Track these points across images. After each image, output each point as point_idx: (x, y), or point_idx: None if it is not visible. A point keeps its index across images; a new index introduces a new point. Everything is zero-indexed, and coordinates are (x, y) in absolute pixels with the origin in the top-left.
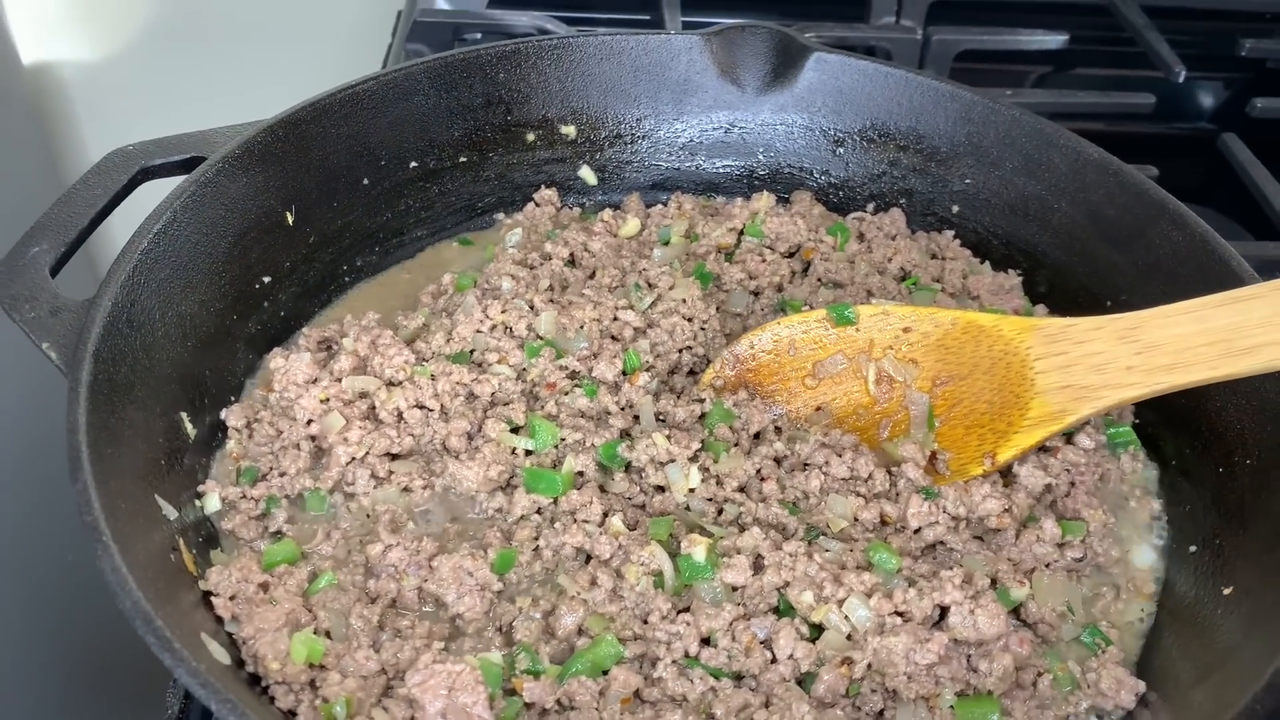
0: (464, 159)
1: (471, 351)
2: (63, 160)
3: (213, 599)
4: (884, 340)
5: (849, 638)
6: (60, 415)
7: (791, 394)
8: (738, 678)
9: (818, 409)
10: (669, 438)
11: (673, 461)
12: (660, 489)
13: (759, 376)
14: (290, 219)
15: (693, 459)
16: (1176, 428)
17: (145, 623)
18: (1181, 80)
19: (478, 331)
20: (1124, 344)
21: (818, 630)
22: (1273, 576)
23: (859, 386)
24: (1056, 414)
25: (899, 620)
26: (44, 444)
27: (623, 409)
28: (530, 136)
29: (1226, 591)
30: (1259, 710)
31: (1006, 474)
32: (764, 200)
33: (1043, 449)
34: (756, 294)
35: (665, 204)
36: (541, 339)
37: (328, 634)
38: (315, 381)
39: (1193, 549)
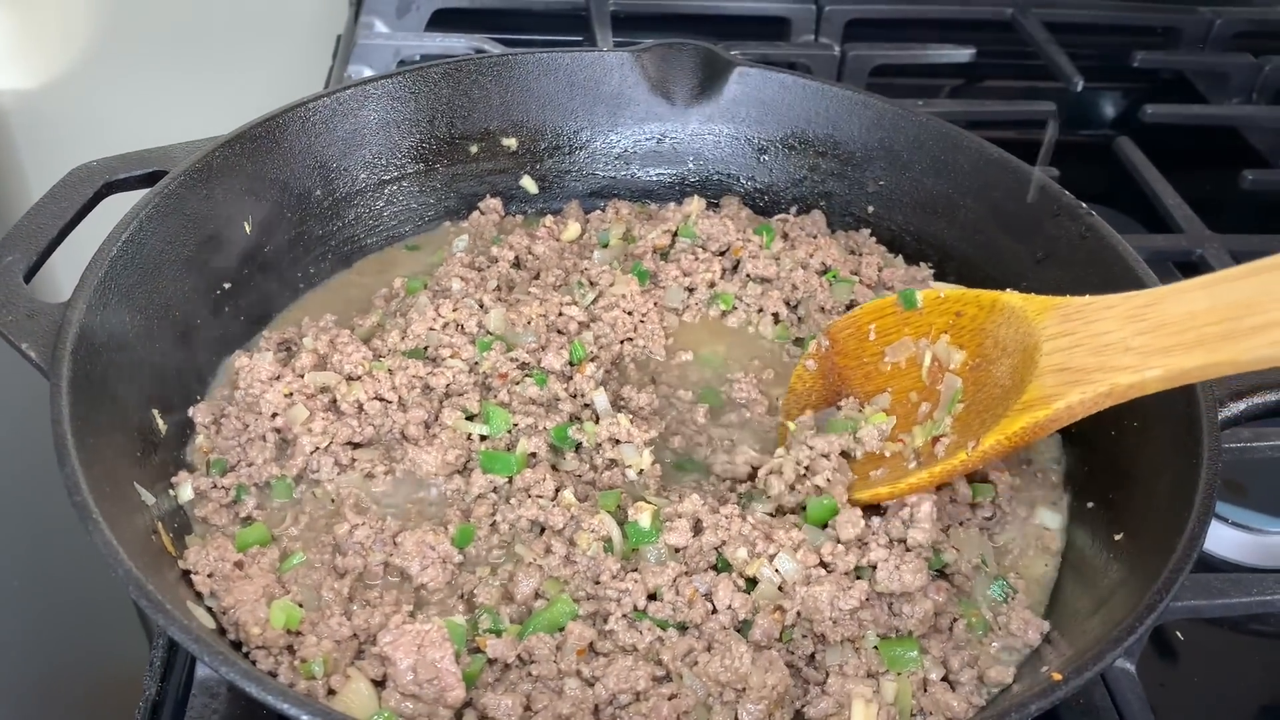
0: (411, 170)
1: (425, 348)
2: (3, 188)
3: (192, 576)
4: (941, 324)
5: (780, 588)
6: (34, 422)
7: (867, 377)
8: (682, 628)
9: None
10: (631, 421)
11: (630, 442)
12: (613, 464)
13: (845, 359)
14: (248, 228)
15: (648, 443)
16: None
17: (138, 588)
18: (1080, 89)
19: (430, 329)
20: (1131, 323)
21: (752, 583)
22: (1152, 520)
23: (917, 374)
24: (1045, 398)
25: (823, 572)
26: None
27: (572, 396)
28: (474, 148)
29: (1117, 538)
30: (1136, 627)
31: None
32: (695, 204)
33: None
34: (691, 290)
35: (603, 210)
36: (491, 334)
37: (300, 606)
38: (278, 378)
39: (1090, 504)
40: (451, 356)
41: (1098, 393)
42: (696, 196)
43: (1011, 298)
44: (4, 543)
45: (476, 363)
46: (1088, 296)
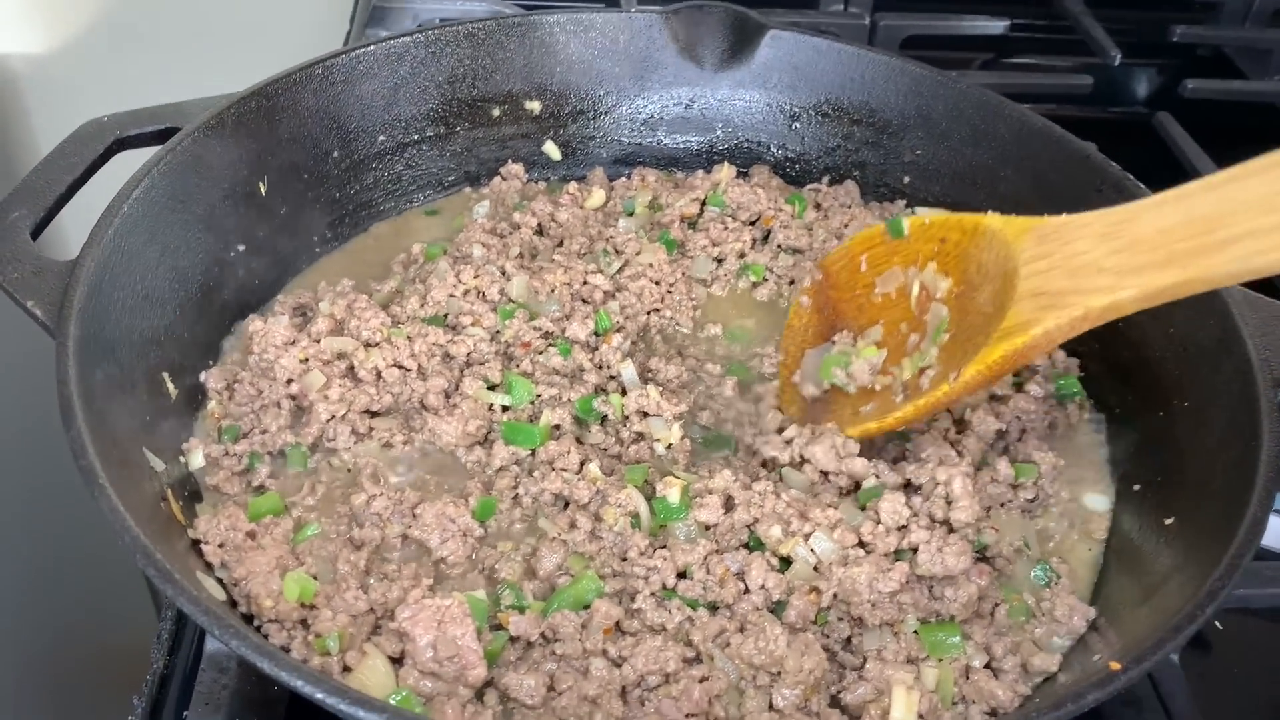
0: (431, 133)
1: (445, 315)
2: (12, 151)
3: (202, 546)
4: (927, 252)
5: (816, 569)
6: (40, 384)
7: (860, 309)
8: (713, 608)
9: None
10: (660, 392)
11: (659, 415)
12: (639, 437)
13: (838, 291)
14: (263, 189)
15: (677, 417)
16: (1119, 378)
17: (146, 556)
18: (1117, 64)
19: (451, 295)
20: (1105, 242)
21: (786, 563)
22: (1207, 504)
23: (906, 303)
24: (1022, 325)
25: (862, 552)
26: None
27: (598, 367)
28: (496, 112)
29: (1168, 522)
30: (1197, 615)
31: (960, 422)
32: (725, 171)
33: (994, 397)
34: (720, 260)
35: (628, 177)
36: (514, 302)
37: (315, 578)
38: (294, 343)
39: (1137, 487)
40: (473, 324)
41: (1072, 317)
42: (726, 164)
43: (992, 220)
44: (10, 509)
45: (498, 331)
46: (1064, 215)
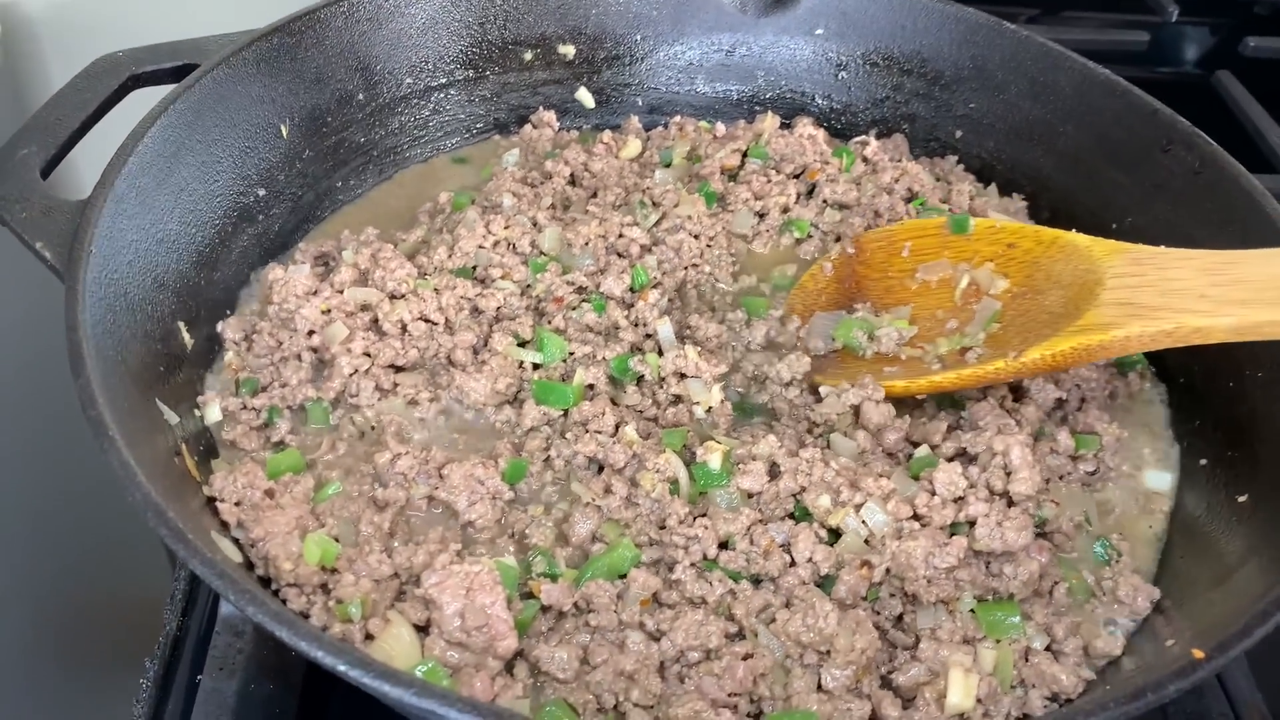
0: (460, 77)
1: (474, 267)
2: (28, 97)
3: (218, 504)
4: (988, 253)
5: (867, 542)
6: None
7: (889, 290)
8: (756, 580)
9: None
10: (699, 352)
11: (698, 377)
12: (677, 400)
13: (867, 269)
14: (285, 132)
15: (718, 379)
16: (1184, 347)
17: (157, 515)
18: (1174, 20)
19: (480, 247)
20: (1207, 275)
21: (835, 535)
22: None
23: (948, 294)
24: (1104, 325)
25: (917, 525)
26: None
27: (634, 324)
28: (528, 55)
29: (1241, 500)
30: None
31: (1017, 390)
32: (769, 121)
33: None
34: (762, 215)
35: (665, 127)
36: (546, 255)
37: (336, 540)
38: (315, 293)
39: (1204, 462)
40: (503, 277)
41: (1160, 329)
42: (770, 113)
43: (1078, 237)
44: (20, 463)
45: (529, 285)
46: (1162, 246)
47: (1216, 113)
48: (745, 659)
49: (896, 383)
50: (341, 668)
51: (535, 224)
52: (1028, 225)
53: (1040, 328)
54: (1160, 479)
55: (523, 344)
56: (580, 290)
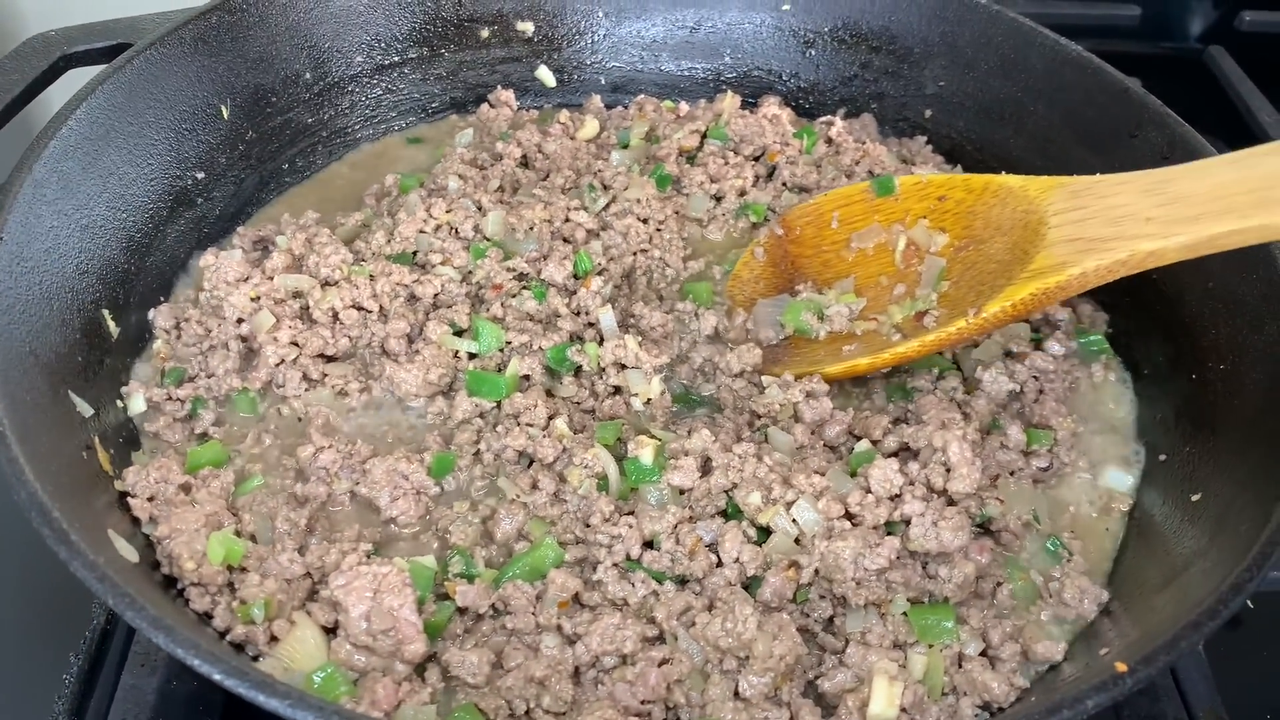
0: (414, 55)
1: (414, 252)
2: None
3: (129, 500)
4: (919, 210)
5: (797, 541)
6: None
7: (826, 265)
8: (681, 581)
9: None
10: (640, 344)
11: (638, 368)
12: (616, 391)
13: (800, 248)
14: (225, 113)
15: (658, 370)
16: (1150, 335)
17: (41, 514)
18: None
19: (421, 231)
20: (1148, 196)
21: (765, 534)
22: (1242, 481)
23: (887, 258)
24: (1057, 265)
25: (848, 525)
26: None
27: (575, 313)
28: (484, 33)
29: (1195, 498)
30: (1221, 610)
31: (971, 384)
32: (729, 101)
33: (1009, 354)
34: (718, 198)
35: (626, 106)
36: (488, 240)
37: (253, 538)
38: (246, 279)
39: (1162, 458)
40: (442, 263)
41: (1115, 259)
42: (730, 93)
43: (1009, 179)
44: None
45: (470, 271)
46: (1095, 176)
47: (1208, 88)
48: (661, 665)
49: (860, 361)
50: (217, 676)
51: (480, 208)
52: (955, 175)
53: (993, 278)
54: (1121, 478)
55: (459, 333)
56: (521, 277)
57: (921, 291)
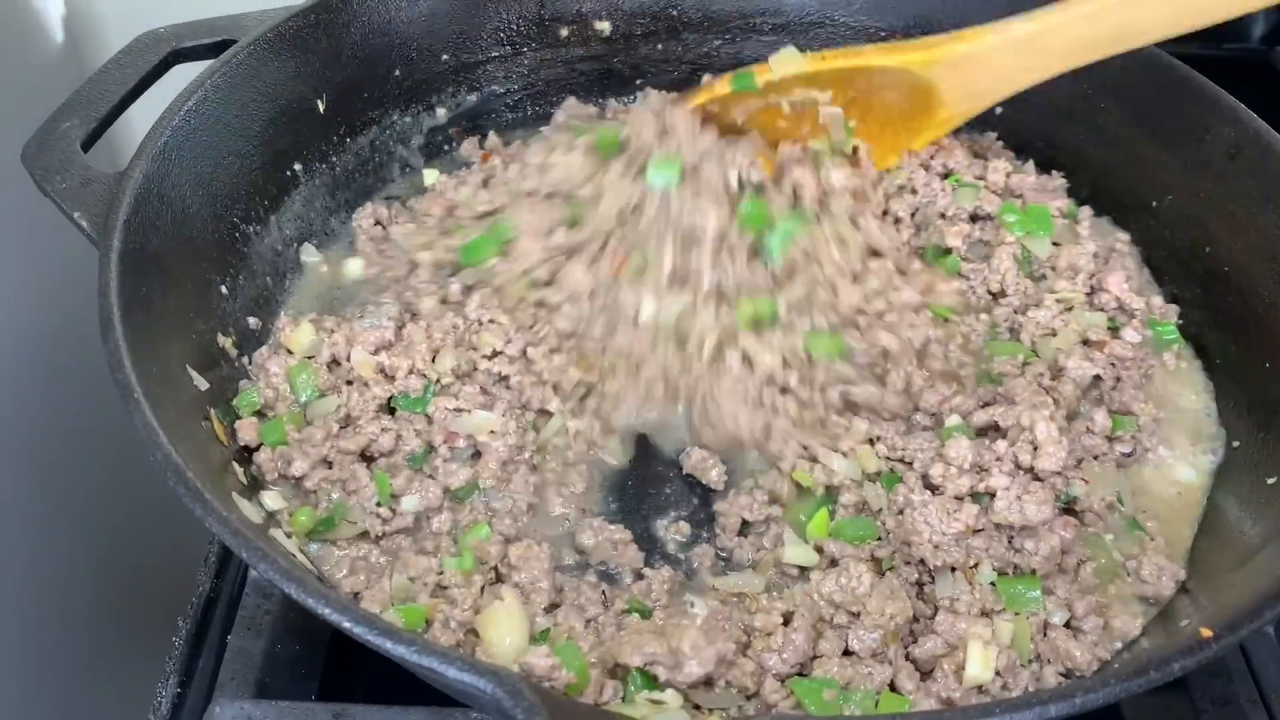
0: (496, 54)
1: None
2: (85, 46)
3: (258, 453)
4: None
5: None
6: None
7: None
8: None
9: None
10: None
11: None
12: None
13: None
14: (321, 107)
15: None
16: (1221, 326)
17: (176, 474)
18: None
19: None
20: (1022, 56)
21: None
22: None
23: (776, 113)
24: (964, 111)
25: (929, 495)
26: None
27: None
28: (564, 32)
29: (1270, 482)
30: None
31: (1056, 370)
32: None
33: (1087, 342)
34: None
35: None
36: None
37: None
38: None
39: (1236, 444)
40: None
41: (1002, 95)
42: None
43: (884, 60)
44: (55, 425)
45: None
46: (966, 44)
47: (1277, 89)
48: None
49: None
50: (346, 624)
51: None
52: (825, 53)
53: (905, 121)
54: (1198, 462)
55: None
56: None
57: (835, 136)
